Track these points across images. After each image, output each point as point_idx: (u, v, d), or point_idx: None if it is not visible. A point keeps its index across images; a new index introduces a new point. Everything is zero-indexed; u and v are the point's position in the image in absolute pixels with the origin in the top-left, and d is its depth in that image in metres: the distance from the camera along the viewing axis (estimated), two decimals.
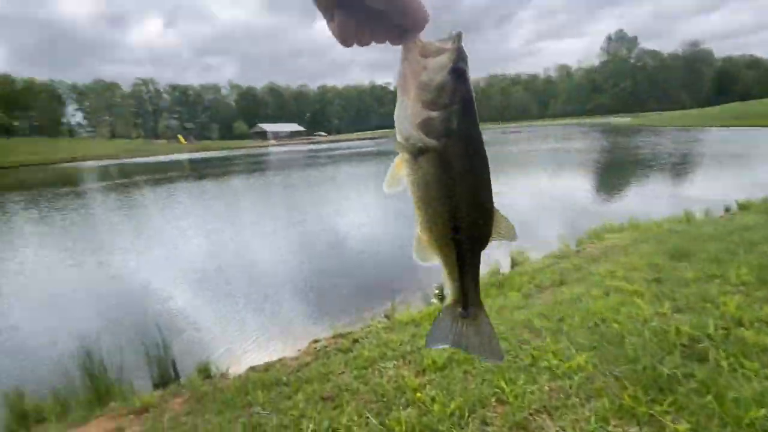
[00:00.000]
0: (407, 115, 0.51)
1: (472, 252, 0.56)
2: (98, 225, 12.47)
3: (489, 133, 59.84)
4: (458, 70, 0.50)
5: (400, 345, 3.10)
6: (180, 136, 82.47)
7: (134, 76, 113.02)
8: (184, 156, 54.12)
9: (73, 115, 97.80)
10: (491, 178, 0.54)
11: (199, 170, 30.98)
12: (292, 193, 16.49)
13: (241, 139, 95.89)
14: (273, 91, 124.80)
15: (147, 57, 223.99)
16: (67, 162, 50.59)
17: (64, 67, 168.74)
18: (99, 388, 3.28)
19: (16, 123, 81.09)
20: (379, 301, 5.06)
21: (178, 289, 6.43)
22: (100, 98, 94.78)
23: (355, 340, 3.51)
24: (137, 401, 3.02)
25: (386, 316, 4.36)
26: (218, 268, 7.31)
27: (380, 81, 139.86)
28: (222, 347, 4.50)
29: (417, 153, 0.52)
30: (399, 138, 0.53)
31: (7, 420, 3.13)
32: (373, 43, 0.52)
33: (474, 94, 0.52)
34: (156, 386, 3.53)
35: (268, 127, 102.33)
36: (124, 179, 26.19)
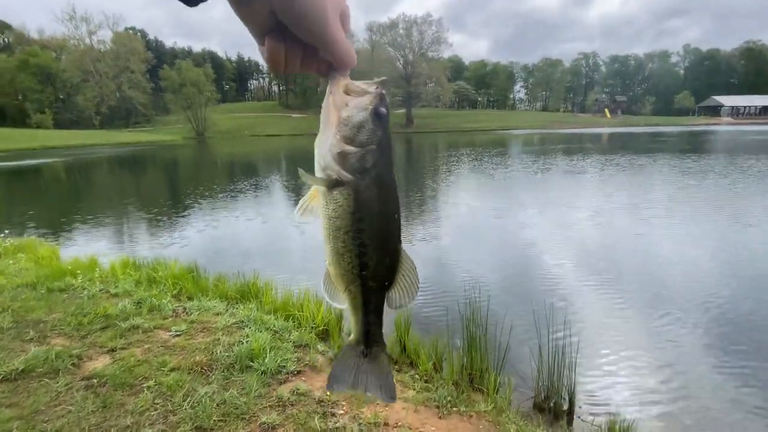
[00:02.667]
0: (327, 145, 0.52)
1: (377, 290, 0.57)
2: (509, 182, 14.03)
3: None
4: (379, 113, 0.52)
5: None
6: (606, 110, 79.29)
7: (578, 52, 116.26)
8: (605, 130, 51.85)
9: (518, 92, 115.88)
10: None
11: (616, 144, 29.13)
12: (737, 185, 11.72)
13: (682, 114, 79.81)
14: (748, 53, 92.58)
15: (599, 32, 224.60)
16: (504, 129, 61.10)
17: (527, 51, 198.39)
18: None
19: (480, 99, 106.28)
20: None
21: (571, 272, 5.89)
22: (542, 75, 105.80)
23: None
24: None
25: None
26: (616, 260, 6.19)
27: None
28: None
29: (332, 185, 0.53)
30: (317, 167, 0.53)
31: None
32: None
33: (390, 139, 0.54)
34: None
35: (727, 99, 78.80)
36: (541, 146, 28.54)
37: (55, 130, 60.70)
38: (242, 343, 3.03)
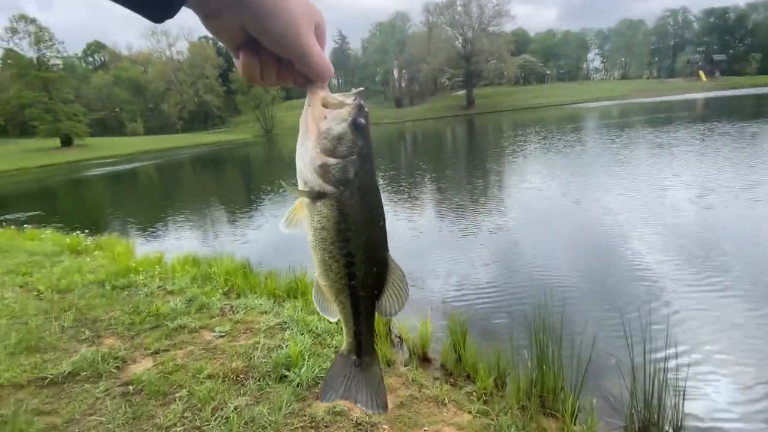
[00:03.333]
0: (307, 158, 0.52)
1: (366, 300, 0.57)
2: (586, 162, 12.60)
3: None
4: (357, 124, 0.51)
5: None
6: (701, 72, 69.00)
7: (663, 9, 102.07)
8: (699, 95, 45.25)
9: (592, 60, 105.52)
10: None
11: (715, 110, 25.04)
12: None
13: None
14: None
15: None
16: (577, 103, 56.08)
17: (602, 15, 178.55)
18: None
19: (548, 72, 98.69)
20: None
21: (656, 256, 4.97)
22: (621, 39, 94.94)
23: None
24: None
25: None
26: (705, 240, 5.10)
27: None
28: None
29: (315, 197, 0.52)
30: (299, 179, 0.53)
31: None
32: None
33: (371, 149, 0.54)
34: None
35: None
36: (620, 119, 25.51)
37: (146, 137, 67.97)
38: (281, 348, 2.82)
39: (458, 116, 58.11)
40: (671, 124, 18.90)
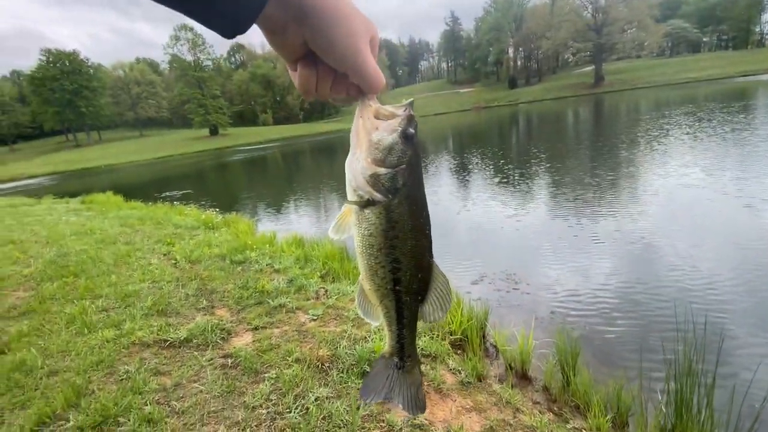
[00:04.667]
0: (358, 167, 0.54)
1: (410, 305, 0.59)
2: (752, 149, 9.97)
3: None
4: (407, 135, 0.53)
5: None
6: None
7: None
8: None
9: (766, 23, 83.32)
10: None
11: None
12: None
13: None
14: None
15: None
16: (746, 75, 45.15)
17: None
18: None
19: (705, 39, 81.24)
20: None
21: None
22: None
23: None
24: None
25: None
26: None
27: None
28: None
29: (364, 204, 0.54)
30: (348, 187, 0.55)
31: None
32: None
33: (419, 158, 0.55)
34: None
35: None
36: None
37: (274, 126, 76.34)
38: (366, 341, 2.74)
39: (582, 96, 51.86)
40: None
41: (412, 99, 0.56)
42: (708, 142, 10.82)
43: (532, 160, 12.07)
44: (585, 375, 2.36)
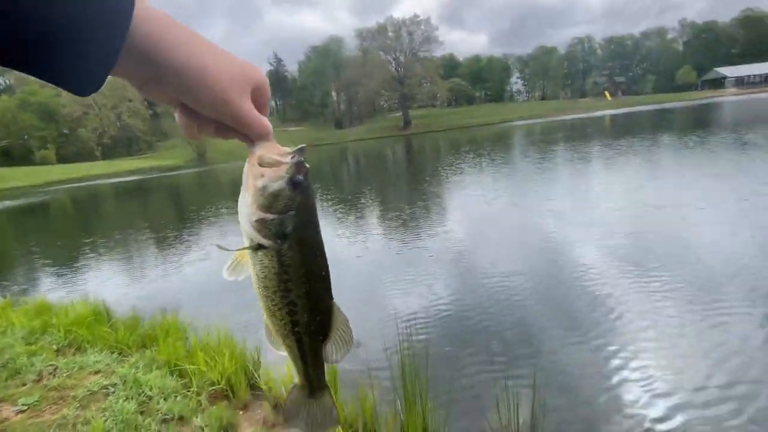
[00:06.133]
0: (245, 212, 0.53)
1: (311, 344, 0.60)
2: (513, 174, 13.10)
3: None
4: (294, 182, 0.52)
5: None
6: (606, 92, 77.33)
7: (572, 37, 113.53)
8: (607, 112, 50.39)
9: (515, 83, 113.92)
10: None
11: (619, 126, 28.18)
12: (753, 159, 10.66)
13: (684, 90, 77.33)
14: (747, 21, 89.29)
15: (601, 13, 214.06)
16: (504, 122, 59.93)
17: (527, 40, 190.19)
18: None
19: (477, 94, 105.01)
20: None
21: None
22: (538, 64, 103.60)
23: None
24: None
25: None
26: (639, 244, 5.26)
27: None
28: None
29: (256, 247, 0.54)
30: (242, 229, 0.55)
31: None
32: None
33: (312, 201, 0.55)
34: None
35: (729, 71, 76.37)
36: (543, 135, 27.47)
37: (58, 165, 61.42)
38: (89, 423, 2.22)
39: (396, 136, 59.34)
40: (581, 140, 20.58)
41: (304, 145, 0.54)
42: (490, 172, 13.68)
43: (364, 190, 12.95)
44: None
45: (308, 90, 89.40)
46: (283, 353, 0.62)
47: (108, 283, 6.56)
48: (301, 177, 0.53)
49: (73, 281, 6.96)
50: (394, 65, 69.55)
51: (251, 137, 0.51)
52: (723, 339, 3.11)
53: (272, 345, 0.63)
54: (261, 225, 0.52)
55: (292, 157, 0.53)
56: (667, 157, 12.63)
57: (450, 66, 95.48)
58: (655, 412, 2.46)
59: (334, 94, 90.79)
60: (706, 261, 4.52)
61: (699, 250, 4.86)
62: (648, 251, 4.97)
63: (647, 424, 2.37)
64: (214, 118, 0.47)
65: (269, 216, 0.52)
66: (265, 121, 0.50)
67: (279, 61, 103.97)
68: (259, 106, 0.50)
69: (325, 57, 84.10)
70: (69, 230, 13.83)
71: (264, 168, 0.52)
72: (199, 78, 0.43)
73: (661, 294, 3.89)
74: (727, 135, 15.10)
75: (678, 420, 2.39)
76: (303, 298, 0.56)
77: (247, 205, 0.53)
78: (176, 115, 0.48)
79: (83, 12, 0.35)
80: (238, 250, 0.55)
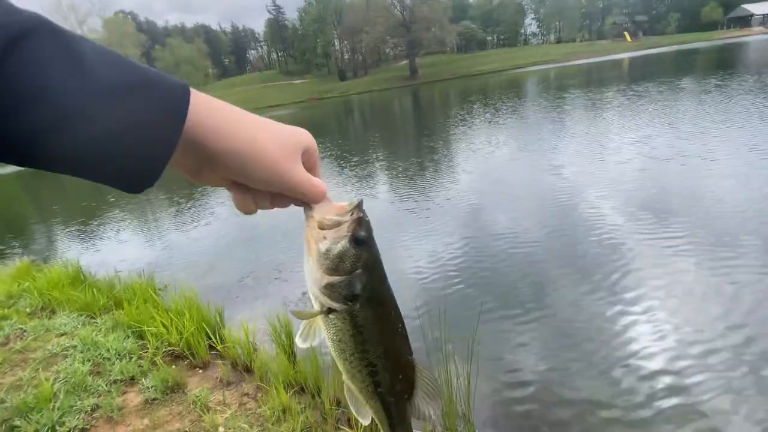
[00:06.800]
0: (312, 278, 0.52)
1: (397, 404, 0.58)
2: (524, 124, 12.58)
3: None
4: (357, 239, 0.51)
5: None
6: (626, 33, 72.27)
7: None
8: (625, 55, 47.41)
9: (530, 25, 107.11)
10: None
11: (637, 69, 26.40)
12: None
13: (710, 29, 71.96)
14: None
15: None
16: (517, 68, 57.00)
17: None
18: None
19: (489, 38, 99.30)
20: None
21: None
22: (554, 3, 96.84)
23: None
24: None
25: None
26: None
27: None
28: None
29: (327, 311, 0.53)
30: (310, 294, 0.54)
31: None
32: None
33: (378, 256, 0.53)
34: None
35: (756, 8, 70.33)
36: (556, 81, 26.12)
37: None
38: (38, 386, 2.25)
39: (403, 87, 57.21)
40: (598, 85, 19.48)
41: (361, 199, 0.52)
42: (497, 123, 13.16)
43: (370, 147, 12.70)
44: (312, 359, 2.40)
45: (310, 39, 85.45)
46: (365, 420, 0.60)
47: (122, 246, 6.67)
48: (363, 233, 0.51)
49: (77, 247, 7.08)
50: (399, 9, 65.52)
51: (307, 201, 0.50)
52: (736, 292, 3.00)
53: (354, 409, 0.60)
54: (330, 289, 0.51)
55: (351, 214, 0.52)
56: (685, 102, 11.88)
57: (460, 8, 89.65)
58: (664, 364, 2.44)
59: (336, 42, 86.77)
60: (717, 213, 4.28)
61: (712, 203, 4.60)
62: (659, 202, 4.74)
63: (662, 378, 2.35)
64: (269, 191, 0.47)
65: (337, 278, 0.51)
66: (319, 183, 0.49)
67: (278, 8, 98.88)
68: (310, 168, 0.49)
69: (327, 2, 79.40)
70: None
71: (325, 230, 0.51)
72: (252, 156, 0.43)
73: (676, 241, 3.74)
74: (749, 77, 14.06)
75: (688, 374, 2.36)
76: (382, 357, 0.55)
77: (313, 271, 0.52)
78: (231, 193, 0.48)
79: (138, 120, 0.35)
80: (311, 316, 0.53)
